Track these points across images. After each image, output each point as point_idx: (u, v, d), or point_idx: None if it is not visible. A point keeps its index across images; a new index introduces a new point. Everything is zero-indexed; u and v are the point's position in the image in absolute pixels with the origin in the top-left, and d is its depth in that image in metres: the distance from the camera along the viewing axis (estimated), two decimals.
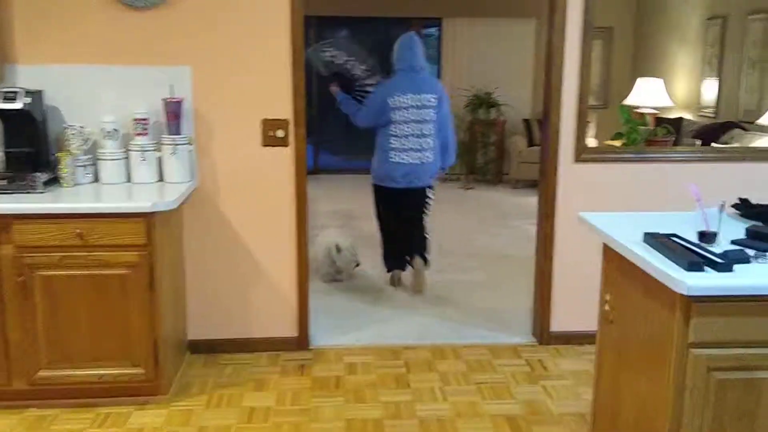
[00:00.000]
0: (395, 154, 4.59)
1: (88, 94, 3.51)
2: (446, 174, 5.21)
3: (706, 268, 2.05)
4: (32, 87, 3.34)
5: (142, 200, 3.14)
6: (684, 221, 2.49)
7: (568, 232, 3.81)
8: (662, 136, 5.00)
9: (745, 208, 2.74)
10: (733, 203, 2.74)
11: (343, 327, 4.20)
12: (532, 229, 4.16)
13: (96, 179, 3.49)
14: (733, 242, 2.30)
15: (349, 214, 7.45)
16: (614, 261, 2.54)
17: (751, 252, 2.17)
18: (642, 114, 6.46)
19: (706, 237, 2.28)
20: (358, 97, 4.90)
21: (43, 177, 3.25)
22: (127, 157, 3.48)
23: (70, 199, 3.17)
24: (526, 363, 3.72)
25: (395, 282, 5.00)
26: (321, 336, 4.02)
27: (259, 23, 3.54)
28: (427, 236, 4.99)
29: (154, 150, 3.48)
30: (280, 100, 3.62)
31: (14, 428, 3.06)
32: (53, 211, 3.03)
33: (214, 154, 3.64)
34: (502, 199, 8.53)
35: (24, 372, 3.16)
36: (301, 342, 3.85)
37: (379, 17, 9.86)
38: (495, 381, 3.51)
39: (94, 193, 3.31)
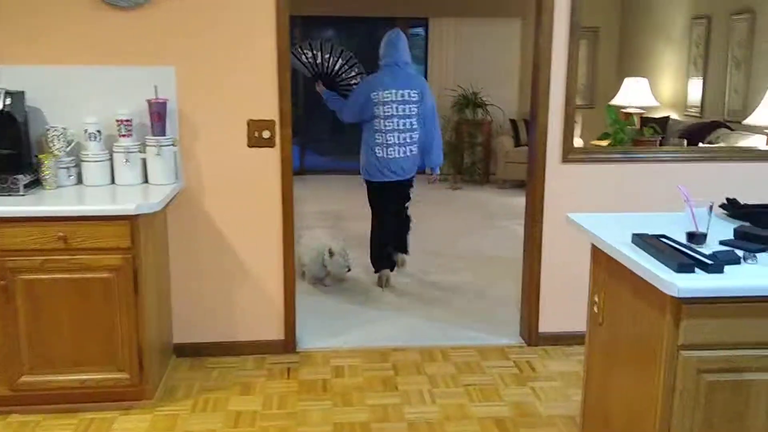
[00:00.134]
0: (381, 149, 4.68)
1: (71, 94, 3.46)
2: (439, 176, 5.19)
3: (696, 269, 2.03)
4: (13, 88, 3.27)
5: (126, 202, 3.09)
6: (672, 222, 2.48)
7: (556, 232, 3.80)
8: (649, 136, 5.00)
9: (732, 208, 2.73)
10: (720, 203, 2.73)
11: (331, 329, 4.17)
12: (520, 230, 4.15)
13: (79, 181, 3.44)
14: (722, 243, 2.29)
15: (336, 214, 7.42)
16: (603, 262, 2.52)
17: (740, 253, 2.16)
18: (629, 114, 6.47)
19: (695, 238, 2.27)
20: (344, 92, 4.98)
21: (24, 179, 3.20)
22: (110, 159, 3.44)
23: (53, 201, 3.12)
24: (514, 364, 3.70)
25: (383, 283, 5.00)
26: (308, 338, 3.99)
27: (245, 23, 3.51)
28: (411, 227, 5.19)
29: (138, 151, 3.44)
30: (266, 101, 3.58)
31: None
32: (35, 214, 2.98)
33: (199, 156, 3.60)
34: (489, 199, 8.52)
35: (6, 377, 3.10)
36: (287, 345, 3.81)
37: (366, 17, 9.83)
38: (483, 383, 3.49)
39: (76, 196, 3.26)
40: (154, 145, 3.41)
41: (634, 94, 7.05)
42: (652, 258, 2.14)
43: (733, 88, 6.36)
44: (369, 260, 5.13)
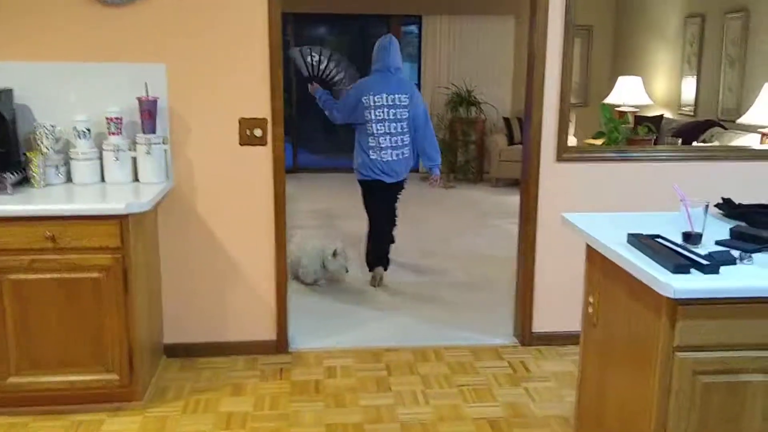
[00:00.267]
0: (374, 153, 4.78)
1: (60, 92, 3.42)
2: (440, 176, 5.25)
3: (692, 270, 2.01)
4: (1, 85, 3.24)
5: (116, 201, 3.05)
6: (668, 221, 2.47)
7: (550, 231, 3.78)
8: (644, 135, 4.99)
9: (728, 208, 2.72)
10: (716, 203, 2.71)
11: (323, 329, 4.14)
12: (514, 229, 4.12)
13: (68, 180, 3.40)
14: (718, 243, 2.28)
15: (328, 213, 7.39)
16: (598, 262, 2.50)
17: (735, 253, 2.14)
18: (623, 113, 6.45)
19: (691, 238, 2.25)
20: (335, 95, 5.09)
21: (12, 178, 3.16)
22: (100, 157, 3.40)
23: (41, 200, 3.08)
24: (508, 365, 3.68)
25: (376, 282, 5.01)
26: (300, 339, 3.95)
27: (237, 21, 3.47)
28: (395, 224, 5.22)
29: (128, 149, 3.40)
30: (258, 99, 3.55)
31: None
32: (23, 214, 2.94)
33: (190, 154, 3.56)
34: (482, 198, 8.50)
35: None
36: (279, 345, 3.78)
37: (359, 14, 9.80)
38: (477, 383, 3.47)
39: (65, 194, 3.21)
40: (145, 144, 3.37)
41: (627, 93, 7.03)
42: (648, 258, 2.12)
43: (727, 87, 6.34)
44: (364, 259, 5.16)
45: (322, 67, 5.08)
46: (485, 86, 9.44)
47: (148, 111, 3.37)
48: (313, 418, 3.14)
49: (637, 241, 2.23)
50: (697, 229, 2.24)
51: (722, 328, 2.00)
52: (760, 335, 2.01)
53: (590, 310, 2.59)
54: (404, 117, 4.78)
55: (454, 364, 3.68)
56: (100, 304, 3.05)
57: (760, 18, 5.99)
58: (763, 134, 5.02)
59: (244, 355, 3.75)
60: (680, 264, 2.01)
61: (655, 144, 5.05)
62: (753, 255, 2.14)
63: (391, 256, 5.39)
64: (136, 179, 3.44)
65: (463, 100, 9.31)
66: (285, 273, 3.76)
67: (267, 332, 3.77)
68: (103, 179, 3.41)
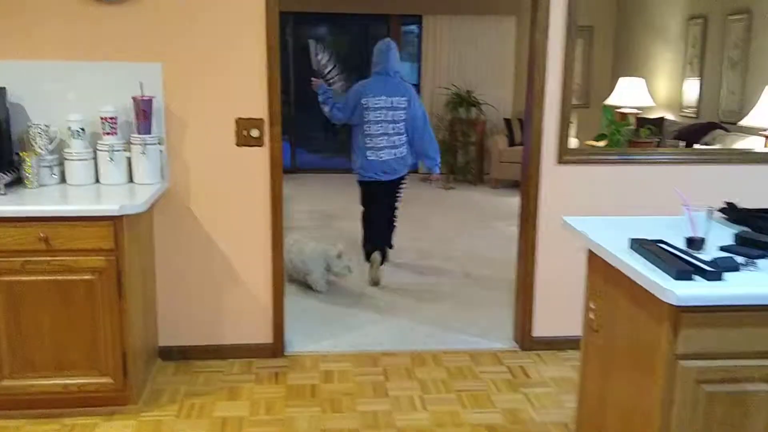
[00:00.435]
0: (372, 153, 4.97)
1: (54, 91, 3.37)
2: (440, 174, 5.54)
3: (695, 276, 1.97)
4: None
5: (110, 203, 3.01)
6: (670, 226, 2.43)
7: (551, 234, 3.73)
8: (645, 137, 4.94)
9: (732, 212, 2.67)
10: (719, 207, 2.67)
11: (320, 332, 4.09)
12: (514, 230, 4.08)
13: (62, 180, 3.35)
14: (721, 248, 2.23)
15: (326, 213, 7.34)
16: (599, 267, 2.45)
17: (740, 259, 2.09)
18: (625, 114, 6.41)
19: (694, 243, 2.20)
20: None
21: (5, 178, 3.12)
22: (94, 158, 3.35)
23: (34, 201, 3.04)
24: (507, 370, 3.63)
25: (373, 273, 5.07)
26: (297, 342, 3.91)
27: (234, 20, 3.42)
28: (395, 225, 5.39)
29: (122, 150, 3.35)
30: (255, 99, 3.50)
31: None
32: (15, 214, 2.89)
33: (186, 155, 3.52)
34: (482, 199, 8.45)
35: None
36: (276, 348, 3.73)
37: (359, 14, 9.75)
38: (476, 389, 3.42)
39: (59, 195, 3.17)
40: (140, 144, 3.33)
41: (629, 94, 6.98)
42: (650, 264, 2.08)
43: (729, 89, 6.30)
44: (362, 259, 5.24)
45: (328, 69, 5.28)
46: (486, 87, 9.41)
47: (144, 111, 3.32)
48: (309, 424, 3.10)
49: (640, 246, 2.19)
50: (701, 234, 2.20)
51: (726, 336, 1.96)
52: (765, 344, 1.96)
53: (591, 315, 2.55)
54: (401, 119, 4.96)
55: (452, 368, 3.63)
56: (94, 306, 3.00)
57: (763, 20, 5.95)
58: (767, 137, 4.98)
59: (240, 358, 3.70)
60: (683, 270, 1.97)
61: (657, 146, 5.00)
62: (757, 261, 2.10)
63: (390, 257, 5.47)
64: (131, 180, 3.39)
65: (463, 100, 9.26)
66: (282, 275, 3.71)
67: (263, 335, 3.73)
68: (97, 180, 3.37)
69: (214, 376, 3.53)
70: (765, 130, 5.10)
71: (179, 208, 3.55)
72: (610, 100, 7.00)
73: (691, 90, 6.85)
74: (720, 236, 2.35)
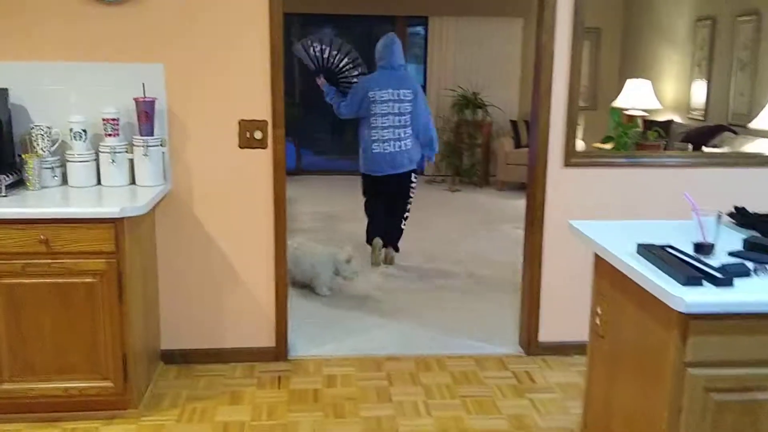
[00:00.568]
0: (377, 145, 5.11)
1: (56, 92, 3.34)
2: (433, 162, 5.72)
3: (704, 282, 1.93)
4: None
5: (111, 205, 2.99)
6: (678, 230, 2.39)
7: (557, 238, 3.69)
8: (653, 140, 4.89)
9: (741, 216, 2.62)
10: (728, 212, 2.62)
11: (323, 336, 4.06)
12: (520, 233, 4.03)
13: (64, 182, 3.33)
14: (731, 254, 2.19)
15: (330, 215, 7.31)
16: (606, 272, 2.41)
17: (750, 265, 2.05)
18: (632, 117, 6.36)
19: (703, 249, 2.16)
20: (344, 89, 5.32)
21: (6, 180, 3.09)
22: (96, 159, 3.33)
23: (35, 203, 3.01)
24: (512, 375, 3.59)
25: (375, 255, 5.38)
26: (300, 346, 3.87)
27: (237, 20, 3.39)
28: (403, 228, 5.49)
29: (124, 151, 3.33)
30: (258, 101, 3.47)
31: None
32: (15, 216, 2.86)
33: (188, 156, 3.49)
34: (488, 201, 8.41)
35: None
36: (278, 352, 3.70)
37: (365, 15, 9.72)
38: (480, 394, 3.38)
39: (60, 197, 3.14)
40: (142, 145, 3.30)
41: (637, 96, 6.93)
42: (658, 270, 2.04)
43: (738, 91, 6.25)
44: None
45: (326, 56, 5.24)
46: (492, 88, 9.36)
47: (146, 112, 3.30)
48: (311, 429, 3.06)
49: (648, 251, 2.15)
50: (710, 240, 2.16)
51: (736, 343, 1.92)
52: None
53: (598, 321, 2.51)
54: (407, 111, 5.09)
55: (457, 373, 3.59)
56: (94, 309, 2.98)
57: None
58: None
59: (243, 362, 3.67)
60: (692, 276, 1.93)
61: (664, 149, 4.95)
62: None
63: (395, 259, 5.53)
64: (133, 182, 3.37)
65: (469, 102, 9.22)
66: (285, 278, 3.68)
67: (266, 339, 3.70)
68: (99, 182, 3.34)
69: (216, 379, 3.50)
70: None
71: (182, 210, 3.52)
72: (618, 103, 6.95)
73: (700, 92, 6.80)
74: (729, 241, 2.30)
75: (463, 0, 9.31)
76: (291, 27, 9.52)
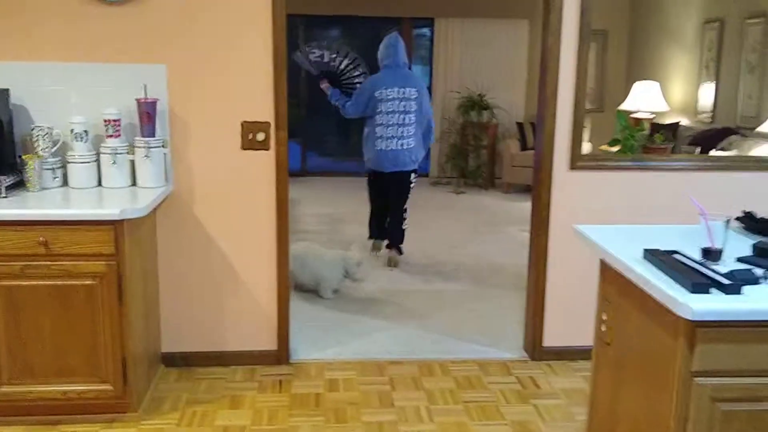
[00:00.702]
0: (381, 142, 5.19)
1: (57, 93, 3.32)
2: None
3: (712, 290, 1.88)
4: None
5: (111, 207, 2.96)
6: (686, 235, 2.34)
7: (563, 242, 3.65)
8: (660, 142, 4.84)
9: (750, 221, 2.58)
10: (736, 216, 2.58)
11: (326, 339, 4.02)
12: (525, 236, 3.98)
13: (65, 183, 3.30)
14: (740, 260, 2.14)
15: (335, 218, 7.27)
16: (611, 278, 2.37)
17: (759, 271, 2.01)
18: (639, 119, 6.31)
19: (711, 254, 2.12)
20: (348, 90, 5.41)
21: (6, 181, 3.07)
22: (97, 160, 3.30)
23: (35, 204, 2.99)
24: (517, 380, 3.55)
25: (375, 248, 5.64)
26: (302, 349, 3.84)
27: (240, 21, 3.37)
28: (404, 228, 5.53)
29: (126, 153, 3.30)
30: (261, 102, 3.44)
31: None
32: (14, 218, 2.84)
33: (190, 158, 3.46)
34: (493, 204, 8.36)
35: None
36: (280, 356, 3.66)
37: (371, 17, 9.69)
38: (484, 400, 3.34)
39: (60, 199, 3.12)
40: (143, 147, 3.27)
41: (644, 99, 6.88)
42: (665, 276, 1.99)
43: (746, 94, 6.19)
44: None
45: (326, 60, 5.34)
46: (498, 90, 9.32)
47: (147, 113, 3.27)
48: None
49: (654, 257, 2.10)
50: (718, 245, 2.11)
51: (745, 352, 1.87)
52: None
53: (603, 328, 2.46)
54: (413, 109, 5.17)
55: (460, 378, 3.55)
56: (94, 312, 2.95)
57: None
58: None
59: (244, 365, 3.63)
60: (699, 283, 1.88)
61: (671, 152, 4.90)
62: None
63: (398, 262, 5.53)
64: (134, 183, 3.34)
65: (475, 104, 9.18)
66: (287, 281, 3.65)
67: (267, 342, 3.66)
68: (100, 183, 3.31)
69: (217, 383, 3.47)
70: None
71: (183, 212, 3.50)
72: (625, 105, 6.90)
73: (707, 94, 6.75)
74: (737, 247, 2.26)
75: (469, 1, 9.28)
76: (296, 29, 9.50)
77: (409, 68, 5.37)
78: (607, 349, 2.45)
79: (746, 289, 1.89)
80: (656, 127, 6.14)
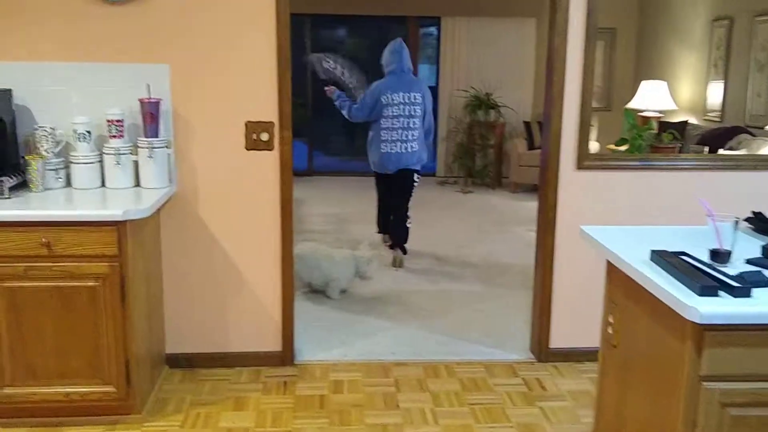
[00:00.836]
0: (385, 145, 5.32)
1: (60, 93, 3.30)
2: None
3: (720, 292, 1.85)
4: (0, 85, 3.14)
5: (114, 207, 2.94)
6: (694, 236, 2.31)
7: (570, 242, 3.61)
8: (668, 142, 4.80)
9: (759, 222, 2.54)
10: (745, 217, 2.54)
11: (331, 341, 3.99)
12: (533, 236, 3.94)
13: (68, 184, 3.29)
14: (749, 262, 2.11)
15: (341, 217, 7.24)
16: (618, 280, 2.34)
17: None
18: (647, 118, 6.26)
19: (719, 256, 2.08)
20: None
21: (9, 181, 3.05)
22: (100, 161, 3.28)
23: (37, 205, 2.98)
24: (523, 382, 3.51)
25: (386, 240, 5.77)
26: (307, 350, 3.82)
27: (243, 21, 3.34)
28: (408, 226, 5.62)
29: (129, 153, 3.28)
30: (265, 102, 3.42)
31: None
32: (16, 219, 2.82)
33: (194, 158, 3.44)
34: (501, 203, 8.32)
35: None
36: (285, 357, 3.64)
37: (378, 16, 9.66)
38: (490, 402, 3.31)
39: (63, 199, 3.10)
40: (147, 147, 3.25)
41: (651, 97, 6.83)
42: (672, 278, 1.96)
43: (755, 92, 6.14)
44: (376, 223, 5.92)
45: (337, 72, 5.58)
46: (505, 89, 9.27)
47: (151, 113, 3.25)
48: None
49: (661, 258, 2.07)
50: (726, 246, 2.08)
51: (754, 356, 1.84)
52: None
53: (609, 330, 2.43)
54: (417, 114, 5.29)
55: (466, 380, 3.52)
56: (97, 313, 2.93)
57: None
58: None
59: (248, 366, 3.61)
60: (707, 285, 1.85)
61: (679, 152, 4.85)
62: None
63: (404, 263, 5.54)
64: (137, 184, 3.32)
65: (482, 103, 9.14)
66: (291, 281, 3.63)
67: (272, 343, 3.64)
68: (103, 183, 3.30)
69: (221, 384, 3.45)
70: None
71: (187, 212, 3.48)
72: (633, 104, 6.85)
73: (716, 93, 6.70)
74: (746, 248, 2.22)
75: (475, 0, 9.24)
76: (302, 28, 9.49)
77: (414, 73, 5.51)
78: (613, 351, 2.42)
79: (756, 291, 1.86)
80: (664, 126, 6.09)
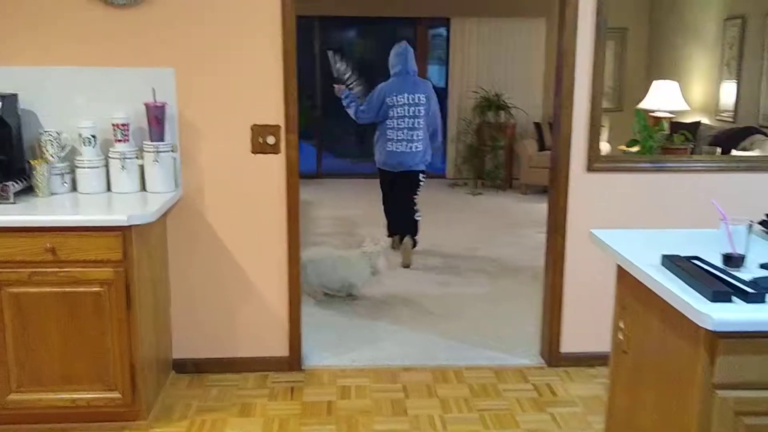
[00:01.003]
0: (391, 145, 5.47)
1: (66, 97, 3.29)
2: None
3: (733, 298, 1.80)
4: (5, 90, 3.13)
5: (119, 212, 2.92)
6: (706, 240, 2.27)
7: (580, 245, 3.56)
8: (680, 143, 4.73)
9: None
10: (760, 220, 2.49)
11: (339, 345, 3.96)
12: (543, 238, 3.89)
13: (74, 188, 3.27)
14: (763, 266, 2.06)
15: (350, 220, 7.21)
16: (629, 285, 2.29)
17: None
18: (659, 119, 6.19)
19: (733, 260, 2.03)
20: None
21: (15, 186, 3.05)
22: (106, 165, 3.27)
23: (43, 210, 2.97)
24: (533, 387, 3.47)
25: (395, 244, 5.80)
26: (314, 356, 3.78)
27: (249, 23, 3.32)
28: (417, 219, 5.76)
29: (135, 157, 3.27)
30: (271, 105, 3.39)
31: None
32: (21, 224, 2.81)
33: (199, 162, 3.42)
34: (511, 205, 8.27)
35: None
36: (292, 362, 3.61)
37: (387, 17, 9.64)
38: (499, 408, 3.27)
39: (69, 204, 3.09)
40: (152, 151, 3.24)
41: (663, 98, 6.76)
42: (684, 283, 1.91)
43: None
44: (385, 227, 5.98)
45: (347, 75, 5.67)
46: (515, 90, 9.22)
47: (156, 117, 3.23)
48: None
49: (673, 263, 2.03)
50: (740, 251, 2.03)
51: None
52: None
53: (620, 336, 2.38)
54: (421, 114, 5.45)
55: (475, 386, 3.48)
56: (102, 319, 2.92)
57: None
58: None
59: (256, 371, 3.59)
60: (720, 291, 1.81)
61: (691, 153, 4.79)
62: None
63: (413, 263, 5.58)
64: (143, 188, 3.30)
65: (492, 104, 9.10)
66: (298, 286, 3.60)
67: (279, 348, 3.61)
68: (109, 188, 3.28)
69: (228, 390, 3.43)
70: None
71: (193, 216, 3.46)
72: (644, 104, 6.79)
73: (728, 93, 6.62)
74: (761, 253, 2.17)
75: (484, 1, 9.19)
76: (311, 30, 9.47)
77: (422, 75, 5.76)
78: (624, 357, 2.37)
79: None
80: (676, 127, 6.02)
